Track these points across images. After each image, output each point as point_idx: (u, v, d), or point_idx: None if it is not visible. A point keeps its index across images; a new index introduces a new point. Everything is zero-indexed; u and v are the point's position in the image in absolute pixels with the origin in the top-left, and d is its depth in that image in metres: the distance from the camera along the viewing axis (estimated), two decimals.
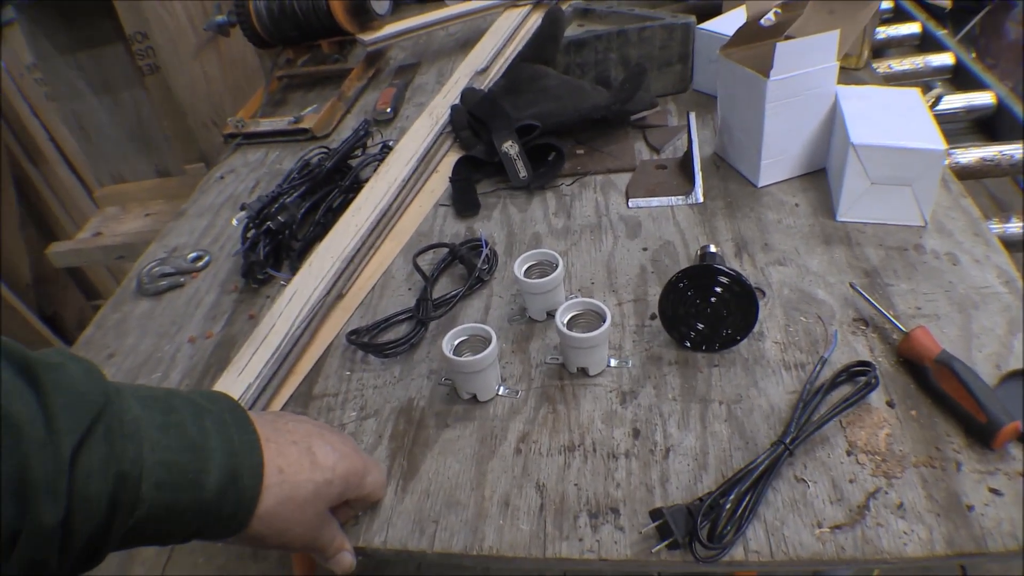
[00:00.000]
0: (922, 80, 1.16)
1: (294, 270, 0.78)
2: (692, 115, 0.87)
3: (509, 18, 1.25)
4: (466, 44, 1.29)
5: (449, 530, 0.52)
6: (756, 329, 0.62)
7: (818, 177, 0.80)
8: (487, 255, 0.75)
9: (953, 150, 0.90)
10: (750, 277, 0.66)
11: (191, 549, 1.44)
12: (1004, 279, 0.64)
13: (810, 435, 0.52)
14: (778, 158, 0.78)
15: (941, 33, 1.22)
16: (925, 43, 1.25)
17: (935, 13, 1.34)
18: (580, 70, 1.01)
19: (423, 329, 0.69)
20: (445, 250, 0.78)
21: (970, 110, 1.04)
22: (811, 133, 0.77)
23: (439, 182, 0.93)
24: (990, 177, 0.92)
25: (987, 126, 1.05)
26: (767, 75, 0.71)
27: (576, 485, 0.53)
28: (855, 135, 0.68)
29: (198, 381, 0.70)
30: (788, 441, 0.51)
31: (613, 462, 0.54)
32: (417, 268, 0.76)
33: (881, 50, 1.29)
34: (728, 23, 0.95)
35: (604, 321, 0.58)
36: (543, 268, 0.68)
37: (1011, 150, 0.90)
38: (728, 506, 0.48)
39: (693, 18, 0.97)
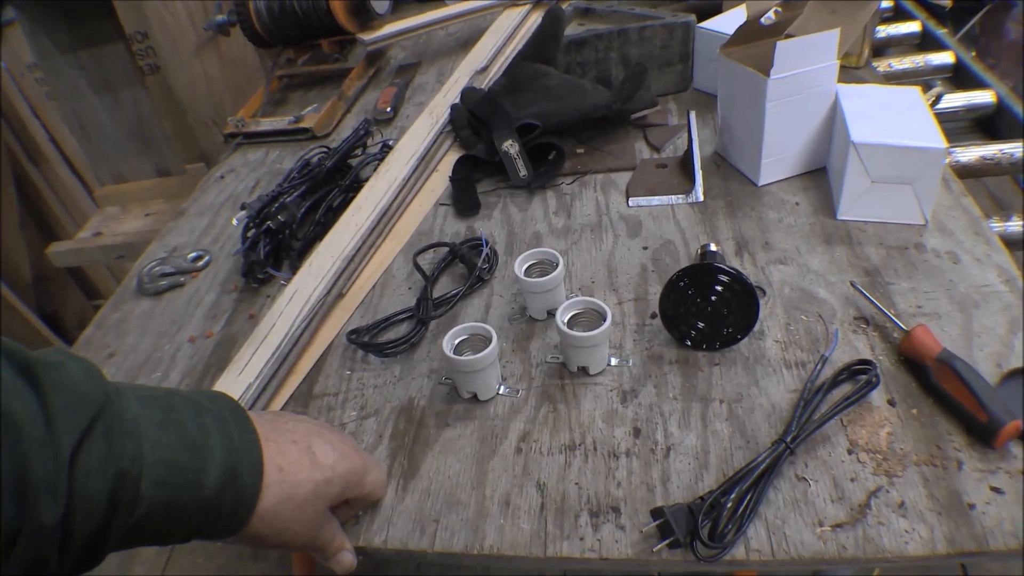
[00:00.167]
0: (922, 79, 1.16)
1: (294, 269, 0.78)
2: (692, 114, 0.87)
3: (509, 17, 1.25)
4: (466, 43, 1.29)
5: (450, 529, 0.51)
6: (757, 328, 0.62)
7: (819, 176, 0.80)
8: (487, 254, 0.75)
9: (953, 149, 0.90)
10: (751, 276, 0.66)
11: (191, 549, 1.44)
12: (1005, 278, 0.64)
13: (811, 434, 0.52)
14: (778, 157, 0.78)
15: (941, 32, 1.22)
16: (925, 42, 1.25)
17: (935, 12, 1.34)
18: (580, 69, 1.01)
19: (423, 328, 0.69)
20: (445, 249, 0.78)
21: (970, 109, 1.04)
22: (811, 132, 0.77)
23: (439, 181, 0.93)
24: (990, 176, 0.92)
25: (987, 125, 1.05)
26: (767, 74, 0.71)
27: (577, 484, 0.53)
28: (856, 134, 0.68)
29: (198, 381, 0.70)
30: (789, 440, 0.51)
31: (614, 461, 0.54)
32: (417, 267, 0.76)
33: (881, 49, 1.29)
34: (728, 22, 0.95)
35: (604, 320, 0.58)
36: (543, 267, 0.68)
37: (1011, 148, 0.90)
38: (729, 505, 0.48)
39: (693, 17, 0.97)
